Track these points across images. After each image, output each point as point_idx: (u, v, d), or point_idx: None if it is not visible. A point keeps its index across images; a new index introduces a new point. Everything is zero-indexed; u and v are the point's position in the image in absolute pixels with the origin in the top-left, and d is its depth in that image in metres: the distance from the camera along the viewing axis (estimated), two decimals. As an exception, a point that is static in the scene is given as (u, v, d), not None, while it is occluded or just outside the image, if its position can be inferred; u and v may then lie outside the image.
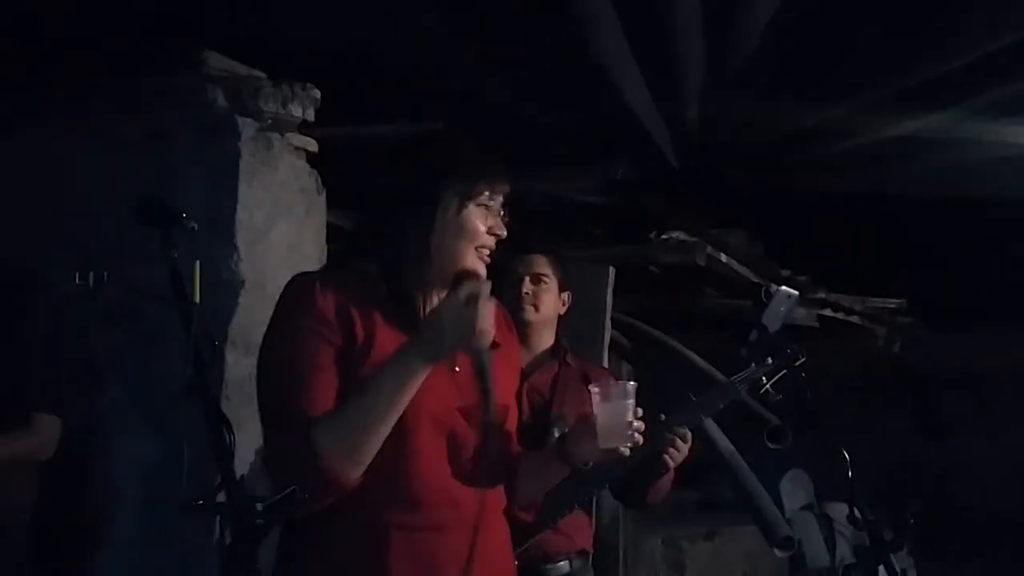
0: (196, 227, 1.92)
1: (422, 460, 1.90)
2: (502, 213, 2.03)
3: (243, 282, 3.54)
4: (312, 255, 3.76)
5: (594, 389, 1.97)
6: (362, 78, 3.81)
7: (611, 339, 5.52)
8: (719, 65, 4.02)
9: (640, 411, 2.00)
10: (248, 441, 3.39)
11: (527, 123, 4.47)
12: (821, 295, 7.09)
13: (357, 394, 1.85)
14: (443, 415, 1.93)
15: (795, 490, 6.46)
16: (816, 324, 7.10)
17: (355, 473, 1.82)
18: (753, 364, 2.79)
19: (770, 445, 3.65)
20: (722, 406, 2.84)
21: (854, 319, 7.65)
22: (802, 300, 6.70)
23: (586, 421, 2.00)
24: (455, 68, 3.97)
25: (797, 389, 2.68)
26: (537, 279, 3.13)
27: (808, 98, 4.21)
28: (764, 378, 2.78)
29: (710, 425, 3.03)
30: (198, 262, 1.92)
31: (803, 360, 2.71)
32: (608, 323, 5.45)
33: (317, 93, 3.75)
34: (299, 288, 1.96)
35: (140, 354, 3.56)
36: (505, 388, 2.06)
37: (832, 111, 4.34)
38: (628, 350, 6.06)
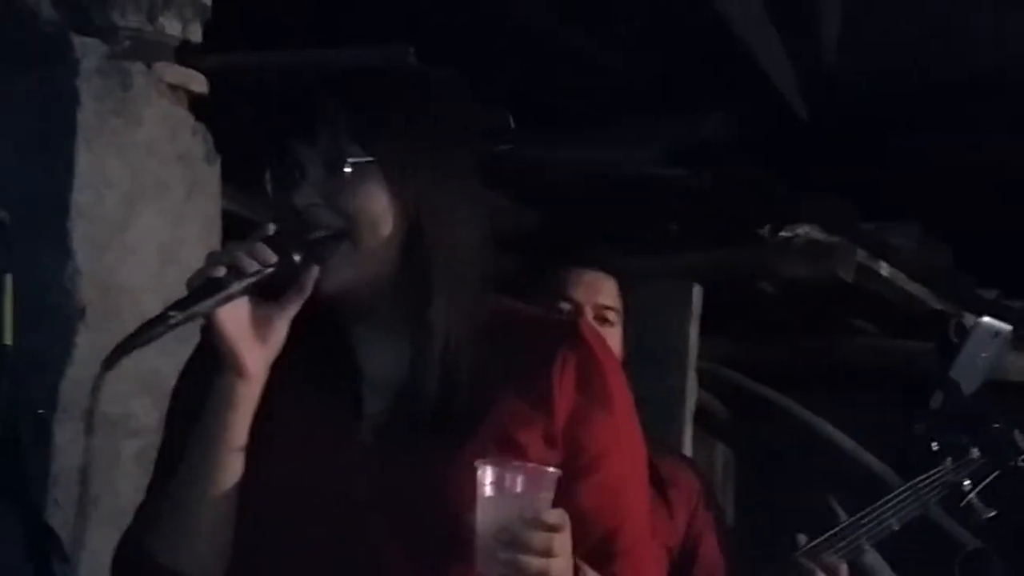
0: (6, 218, 2.00)
1: None
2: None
3: (83, 310, 3.54)
4: (199, 263, 3.69)
5: (483, 470, 1.98)
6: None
7: (697, 406, 5.52)
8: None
9: (557, 516, 1.97)
10: (94, 568, 3.41)
11: (560, 51, 4.47)
12: (1051, 332, 7.04)
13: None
14: (342, 509, 2.05)
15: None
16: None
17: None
18: (949, 459, 2.87)
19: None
20: (897, 527, 2.98)
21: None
22: (1019, 340, 6.63)
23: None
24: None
25: (1017, 497, 2.74)
26: (602, 314, 3.17)
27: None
28: (968, 481, 2.89)
29: (871, 557, 3.09)
30: (9, 276, 2.00)
31: None
32: (691, 379, 5.44)
33: (207, -2, 3.75)
34: None
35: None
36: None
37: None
38: (725, 423, 6.02)
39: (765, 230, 5.59)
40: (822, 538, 2.99)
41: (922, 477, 2.99)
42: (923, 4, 4.24)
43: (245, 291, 1.97)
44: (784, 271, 5.59)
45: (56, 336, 3.51)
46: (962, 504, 2.98)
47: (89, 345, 3.52)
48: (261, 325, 2.01)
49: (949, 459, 2.97)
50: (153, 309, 3.67)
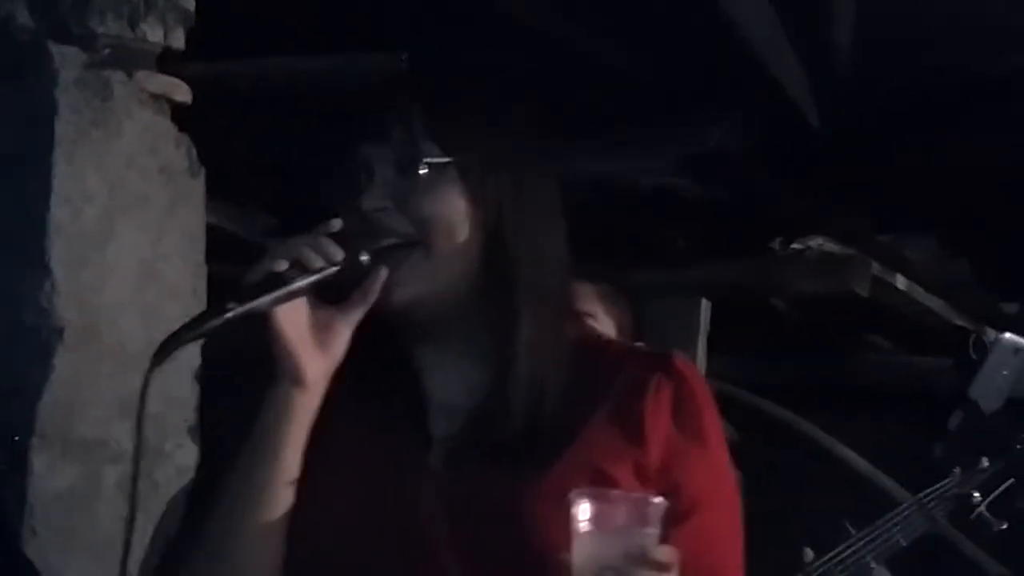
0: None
1: None
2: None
3: (62, 330, 3.54)
4: (182, 281, 3.76)
5: (580, 503, 1.87)
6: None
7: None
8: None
9: (667, 553, 1.85)
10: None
11: (568, 59, 4.51)
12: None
13: None
14: (408, 538, 1.97)
15: None
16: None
17: None
18: (957, 469, 2.92)
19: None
20: (905, 543, 2.95)
21: None
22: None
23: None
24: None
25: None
26: None
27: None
28: (976, 493, 2.90)
29: (880, 574, 3.07)
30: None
31: None
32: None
33: (190, 3, 3.75)
34: None
35: None
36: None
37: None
38: (734, 446, 6.02)
39: (776, 243, 5.60)
40: (828, 556, 2.98)
41: (929, 490, 3.00)
42: (940, 3, 4.23)
43: (308, 290, 1.90)
44: (796, 285, 5.60)
45: (33, 358, 3.50)
46: (972, 517, 2.98)
47: (67, 367, 3.52)
48: (322, 331, 1.93)
49: (957, 469, 2.99)
50: (134, 329, 3.72)
